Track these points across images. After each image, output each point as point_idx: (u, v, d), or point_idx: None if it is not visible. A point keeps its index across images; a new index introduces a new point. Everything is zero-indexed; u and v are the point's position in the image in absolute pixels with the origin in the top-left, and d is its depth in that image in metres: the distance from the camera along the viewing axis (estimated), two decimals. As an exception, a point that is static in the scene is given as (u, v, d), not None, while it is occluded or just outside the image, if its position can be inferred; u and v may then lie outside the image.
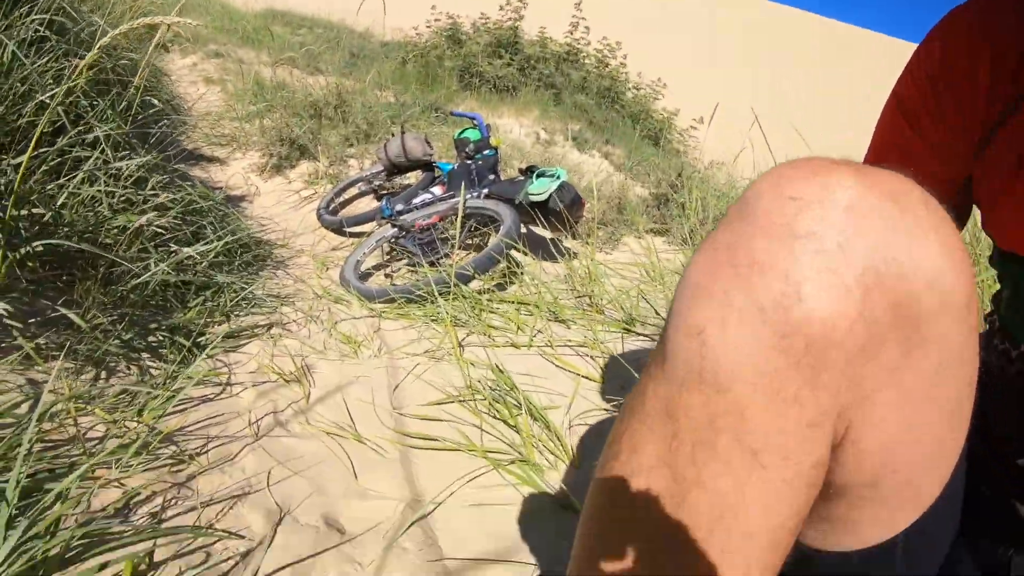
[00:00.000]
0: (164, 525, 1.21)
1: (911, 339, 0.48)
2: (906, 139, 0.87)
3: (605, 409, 1.77)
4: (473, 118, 3.58)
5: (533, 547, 1.27)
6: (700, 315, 0.49)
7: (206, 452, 1.46)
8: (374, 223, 3.60)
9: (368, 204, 4.16)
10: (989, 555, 0.73)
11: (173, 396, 1.56)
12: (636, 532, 0.51)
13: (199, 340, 1.92)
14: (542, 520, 1.34)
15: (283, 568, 1.17)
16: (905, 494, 0.57)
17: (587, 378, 1.93)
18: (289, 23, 9.90)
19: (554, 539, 1.29)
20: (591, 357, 2.07)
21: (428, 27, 10.51)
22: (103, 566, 1.06)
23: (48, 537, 1.05)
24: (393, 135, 3.73)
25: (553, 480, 1.46)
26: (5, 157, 1.88)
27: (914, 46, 0.88)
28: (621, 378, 1.95)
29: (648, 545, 0.50)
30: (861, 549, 0.60)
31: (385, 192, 4.09)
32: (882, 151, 0.92)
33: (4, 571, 0.96)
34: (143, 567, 1.11)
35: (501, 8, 10.68)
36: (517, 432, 1.60)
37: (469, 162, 3.44)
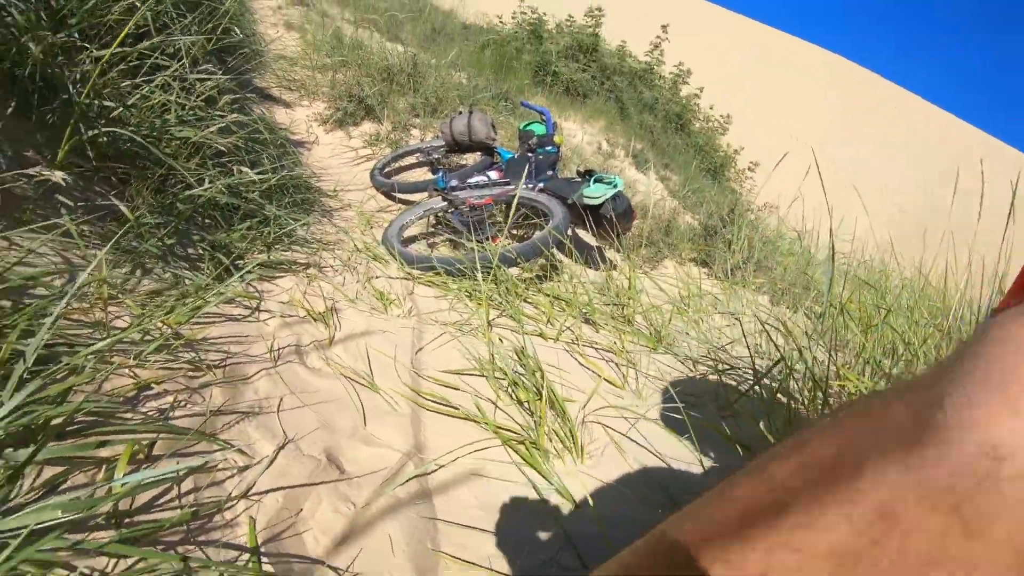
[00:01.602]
0: (170, 423, 1.22)
1: None
2: None
3: (620, 410, 1.76)
4: (542, 112, 3.58)
5: (525, 527, 1.26)
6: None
7: (223, 366, 1.47)
8: (424, 193, 3.61)
9: (422, 175, 4.18)
10: None
11: (202, 306, 1.58)
12: None
13: (237, 262, 1.94)
14: (537, 504, 1.33)
15: (277, 489, 1.17)
16: None
17: (609, 381, 1.92)
18: (378, -13, 9.97)
19: (547, 523, 1.28)
20: (615, 363, 2.06)
21: (513, 18, 10.58)
22: (103, 443, 1.07)
23: (54, 405, 1.06)
24: (461, 112, 3.74)
25: (557, 467, 1.45)
26: (89, 47, 1.90)
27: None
28: (641, 388, 1.93)
29: None
30: None
31: (441, 166, 4.11)
32: None
33: (3, 427, 0.97)
34: (141, 456, 1.11)
35: (587, 14, 10.73)
36: (531, 415, 1.59)
37: (530, 154, 3.44)
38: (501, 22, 10.49)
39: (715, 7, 38.41)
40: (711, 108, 11.48)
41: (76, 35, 1.90)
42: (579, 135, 6.78)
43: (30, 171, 1.44)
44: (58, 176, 1.41)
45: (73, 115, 1.69)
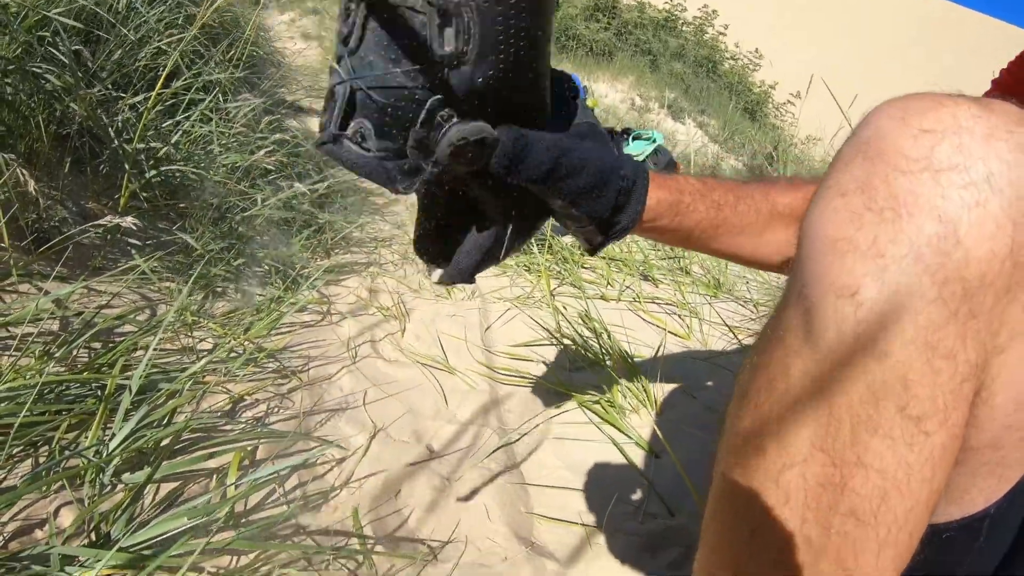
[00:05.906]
0: (268, 428, 1.31)
1: None
2: None
3: (692, 359, 1.81)
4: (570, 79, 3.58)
5: (610, 482, 1.32)
6: (851, 272, 0.43)
7: (306, 370, 1.56)
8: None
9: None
10: None
11: (279, 318, 1.67)
12: (786, 534, 0.46)
13: (303, 272, 2.03)
14: (619, 458, 1.39)
15: (375, 474, 1.26)
16: (1018, 454, 0.52)
17: (673, 334, 1.96)
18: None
19: (630, 476, 1.34)
20: (678, 315, 2.09)
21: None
22: (210, 456, 1.16)
23: (161, 427, 1.15)
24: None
25: (634, 423, 1.50)
26: (124, 97, 2.00)
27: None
28: (706, 336, 1.97)
29: (805, 544, 0.46)
30: (957, 520, 0.55)
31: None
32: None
33: (119, 453, 1.06)
34: (247, 462, 1.20)
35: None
36: (603, 375, 1.65)
37: (565, 122, 3.44)
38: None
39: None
40: (736, 46, 11.23)
41: (110, 87, 2.01)
42: (610, 94, 6.75)
43: (101, 221, 1.54)
44: (128, 221, 1.50)
45: (124, 162, 1.79)
